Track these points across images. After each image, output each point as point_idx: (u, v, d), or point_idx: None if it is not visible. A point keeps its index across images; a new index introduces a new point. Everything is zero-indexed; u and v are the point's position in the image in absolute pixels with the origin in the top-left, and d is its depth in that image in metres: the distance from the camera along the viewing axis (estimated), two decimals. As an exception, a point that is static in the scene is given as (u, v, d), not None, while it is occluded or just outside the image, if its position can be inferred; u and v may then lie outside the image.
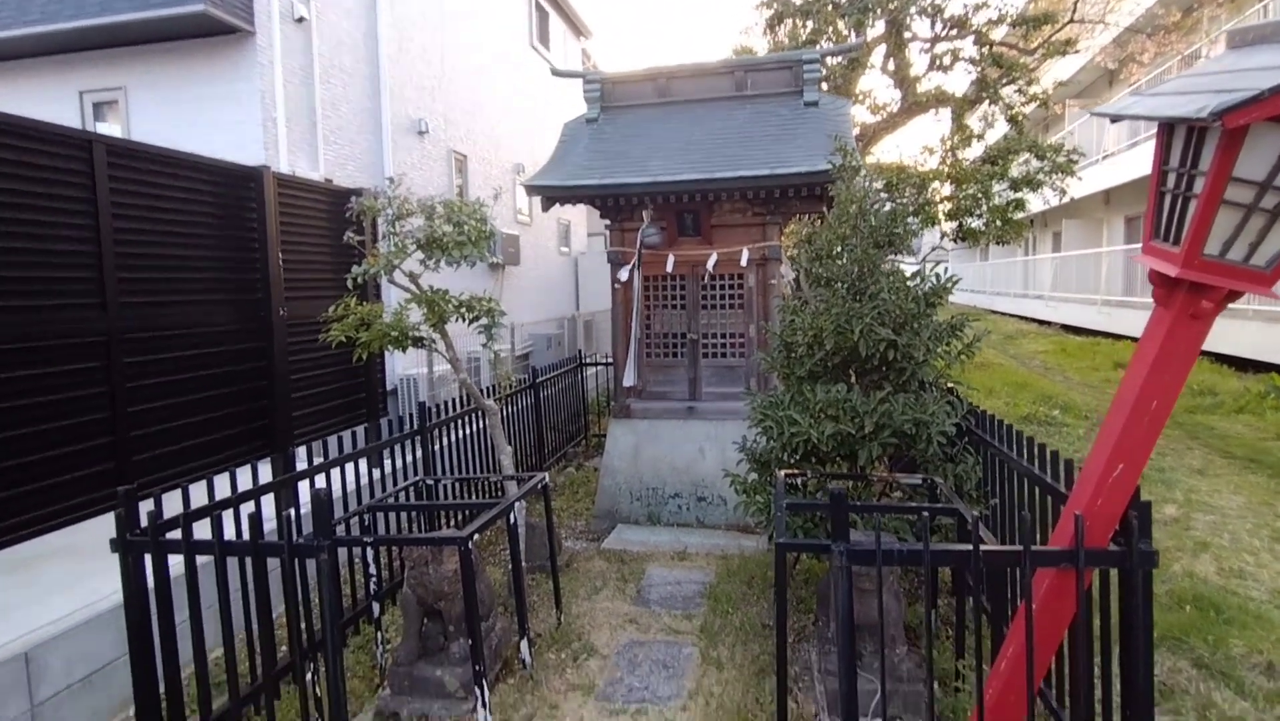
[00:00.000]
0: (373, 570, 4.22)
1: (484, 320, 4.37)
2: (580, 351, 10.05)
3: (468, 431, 6.14)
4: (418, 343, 4.47)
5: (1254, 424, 9.48)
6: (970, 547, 2.54)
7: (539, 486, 4.45)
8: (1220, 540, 5.48)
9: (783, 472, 4.11)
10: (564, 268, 16.37)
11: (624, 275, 6.75)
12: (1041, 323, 21.11)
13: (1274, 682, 3.61)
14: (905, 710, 3.34)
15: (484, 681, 3.37)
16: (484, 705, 3.36)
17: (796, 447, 4.03)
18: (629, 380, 6.70)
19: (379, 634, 4.09)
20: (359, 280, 4.38)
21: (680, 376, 6.83)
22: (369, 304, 4.43)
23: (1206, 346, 13.07)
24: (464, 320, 4.46)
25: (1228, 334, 12.39)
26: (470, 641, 3.36)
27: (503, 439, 4.94)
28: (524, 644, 3.96)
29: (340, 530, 3.80)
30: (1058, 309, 19.77)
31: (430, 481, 4.68)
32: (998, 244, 11.41)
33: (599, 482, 6.83)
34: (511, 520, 4.04)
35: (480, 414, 6.12)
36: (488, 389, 6.63)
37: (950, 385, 4.44)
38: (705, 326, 6.77)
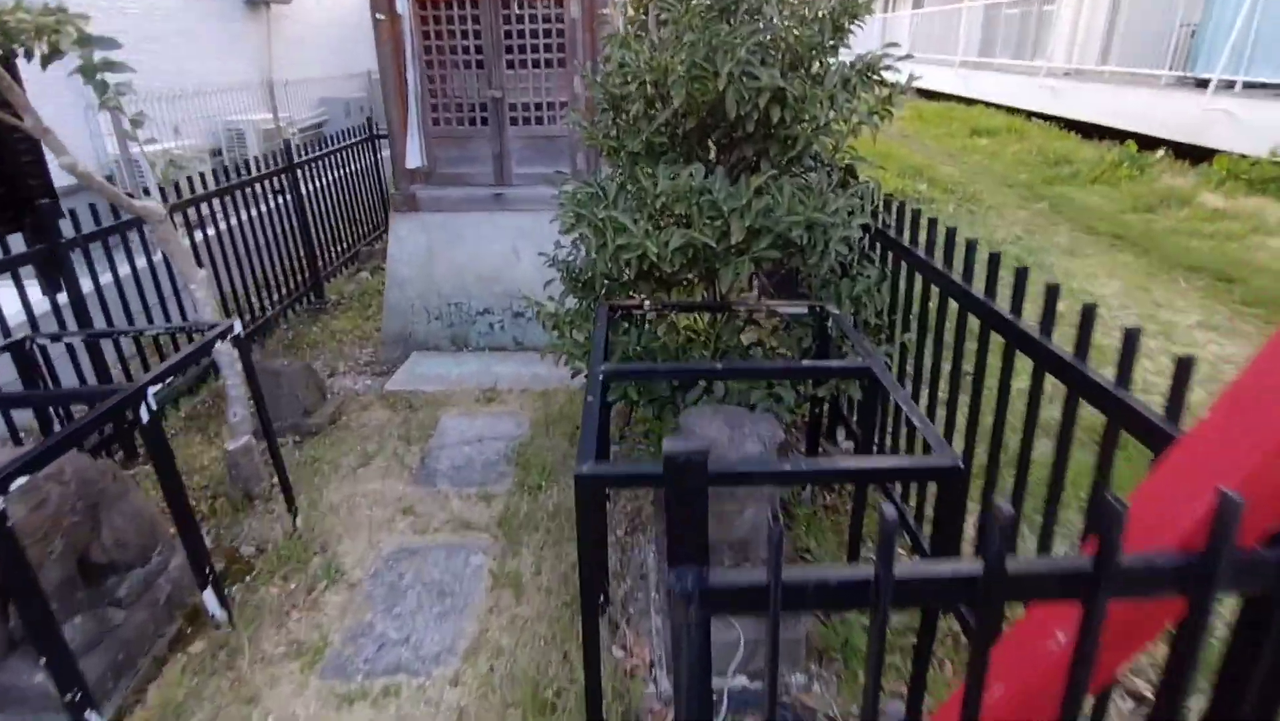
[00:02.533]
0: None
1: (63, 39, 2.31)
2: (371, 120, 7.72)
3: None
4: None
5: (1110, 195, 9.06)
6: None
7: (229, 338, 2.76)
8: (1113, 342, 4.80)
9: (607, 306, 2.68)
10: (363, 6, 12.90)
11: (396, 2, 4.58)
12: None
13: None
14: (782, 660, 2.30)
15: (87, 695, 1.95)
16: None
17: (628, 264, 2.57)
18: (411, 159, 4.81)
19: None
20: None
21: (482, 152, 5.00)
22: None
23: (1058, 112, 12.54)
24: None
25: (1080, 99, 11.78)
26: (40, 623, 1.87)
27: (189, 262, 3.12)
28: (208, 594, 2.53)
29: None
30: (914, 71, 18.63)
31: (45, 342, 2.84)
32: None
33: (384, 299, 5.15)
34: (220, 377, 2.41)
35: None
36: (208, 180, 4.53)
37: (849, 162, 3.03)
38: (513, 81, 4.86)
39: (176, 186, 4.39)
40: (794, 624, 2.27)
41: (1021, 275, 2.01)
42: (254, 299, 5.19)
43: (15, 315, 3.24)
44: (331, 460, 3.71)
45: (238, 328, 2.73)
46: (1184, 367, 1.54)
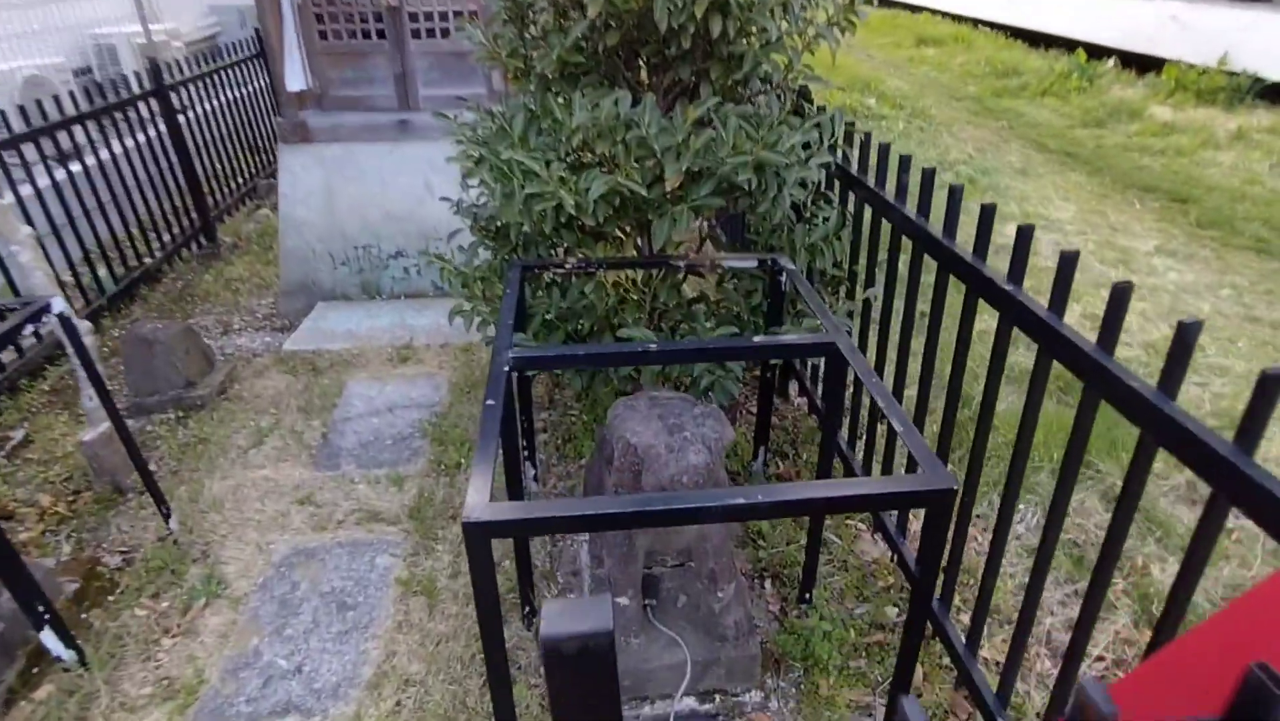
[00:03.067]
0: None
1: None
2: (259, 32, 6.78)
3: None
4: None
5: (1060, 109, 8.77)
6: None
7: (55, 316, 2.21)
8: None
9: (520, 266, 2.24)
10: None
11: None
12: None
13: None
14: (731, 678, 2.01)
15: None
16: None
17: (543, 216, 2.11)
18: (293, 80, 4.12)
19: None
20: None
21: (381, 72, 4.34)
22: None
23: (1005, 20, 12.10)
24: None
25: (1027, 5, 11.35)
26: None
27: (5, 219, 2.51)
28: (47, 634, 2.09)
29: None
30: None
31: None
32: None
33: (280, 244, 4.54)
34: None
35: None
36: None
37: (803, 84, 2.58)
38: (413, -17, 4.17)
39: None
40: (746, 639, 1.97)
41: (1025, 235, 1.63)
42: (133, 246, 4.52)
43: None
44: (219, 440, 3.23)
45: (58, 307, 2.18)
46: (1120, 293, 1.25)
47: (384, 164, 4.40)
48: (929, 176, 1.98)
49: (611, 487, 1.76)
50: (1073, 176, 6.58)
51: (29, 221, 3.41)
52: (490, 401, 1.55)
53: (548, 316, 2.43)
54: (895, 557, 2.39)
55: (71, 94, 4.13)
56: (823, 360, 2.80)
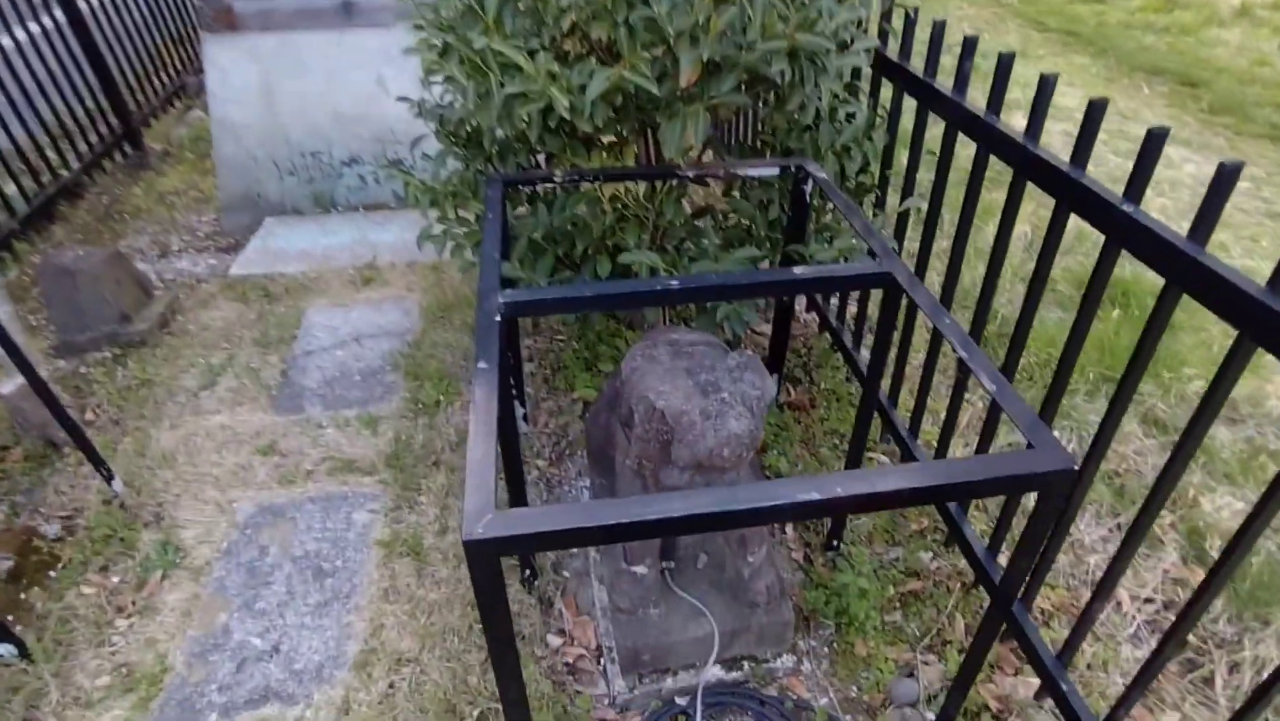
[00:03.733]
0: None
1: None
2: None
3: None
4: None
5: (1058, -18, 8.18)
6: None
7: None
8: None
9: (500, 181, 1.89)
10: None
11: None
12: None
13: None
14: (761, 644, 1.82)
15: None
16: None
17: (527, 119, 1.73)
18: (214, -48, 3.49)
19: None
20: None
21: (315, -59, 3.72)
22: None
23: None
24: None
25: None
26: None
27: None
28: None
29: None
30: None
31: None
32: None
33: (215, 149, 4.02)
34: None
35: None
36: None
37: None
38: None
39: None
40: (779, 604, 1.77)
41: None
42: (43, 157, 3.96)
43: None
44: (164, 382, 2.88)
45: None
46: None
47: (328, 56, 3.85)
48: (1007, 64, 1.64)
49: (634, 459, 1.49)
50: (1076, 59, 6.16)
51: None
52: (483, 364, 1.24)
53: (534, 236, 2.08)
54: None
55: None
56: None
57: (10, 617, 1.97)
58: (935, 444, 2.11)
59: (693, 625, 1.74)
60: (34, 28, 4.02)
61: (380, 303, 3.31)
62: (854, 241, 1.98)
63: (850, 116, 2.18)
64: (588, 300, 1.48)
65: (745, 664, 1.83)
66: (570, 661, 1.88)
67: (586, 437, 2.05)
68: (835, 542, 2.08)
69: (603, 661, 1.86)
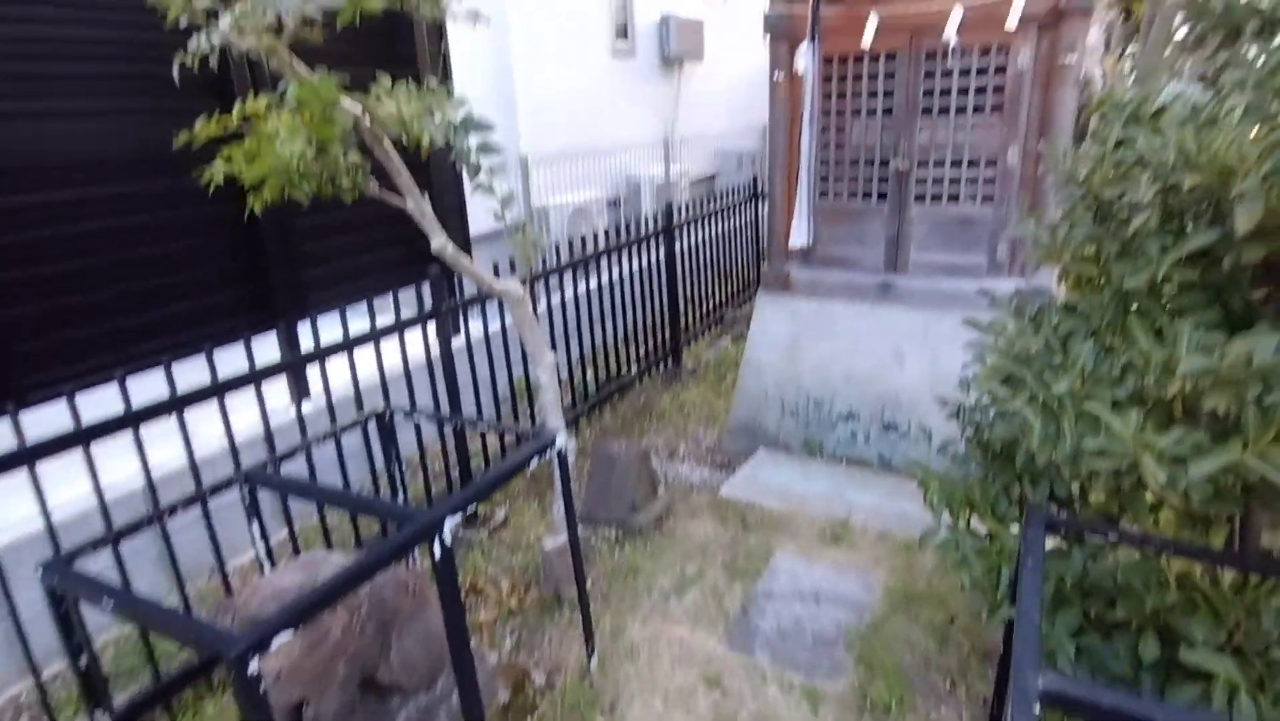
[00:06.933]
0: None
1: (433, 127, 2.15)
2: (756, 179, 7.47)
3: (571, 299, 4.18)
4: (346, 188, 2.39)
5: None
6: None
7: (551, 452, 2.42)
8: None
9: (1042, 524, 1.74)
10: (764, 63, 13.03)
11: (798, 60, 4.08)
12: None
13: None
14: None
15: None
16: None
17: (1092, 477, 1.59)
18: (797, 237, 4.22)
19: None
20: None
21: (873, 232, 4.23)
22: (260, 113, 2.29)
23: None
24: (408, 131, 2.28)
25: None
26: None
27: (541, 346, 2.92)
28: (473, 756, 2.16)
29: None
30: None
31: (396, 415, 2.81)
32: None
33: (739, 381, 4.68)
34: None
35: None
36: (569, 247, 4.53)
37: None
38: (925, 146, 4.01)
39: (560, 250, 4.43)
40: None
41: None
42: (616, 358, 5.12)
43: (369, 376, 3.29)
44: (647, 574, 3.27)
45: (560, 441, 2.37)
46: None
47: (855, 325, 4.24)
48: None
49: None
50: None
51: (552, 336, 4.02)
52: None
53: (1063, 585, 1.85)
54: None
55: (606, 233, 4.84)
56: None
57: (491, 752, 2.33)
58: None
59: None
60: (641, 262, 5.27)
61: (845, 566, 3.30)
62: None
63: None
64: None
65: None
66: None
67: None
68: None
69: None
